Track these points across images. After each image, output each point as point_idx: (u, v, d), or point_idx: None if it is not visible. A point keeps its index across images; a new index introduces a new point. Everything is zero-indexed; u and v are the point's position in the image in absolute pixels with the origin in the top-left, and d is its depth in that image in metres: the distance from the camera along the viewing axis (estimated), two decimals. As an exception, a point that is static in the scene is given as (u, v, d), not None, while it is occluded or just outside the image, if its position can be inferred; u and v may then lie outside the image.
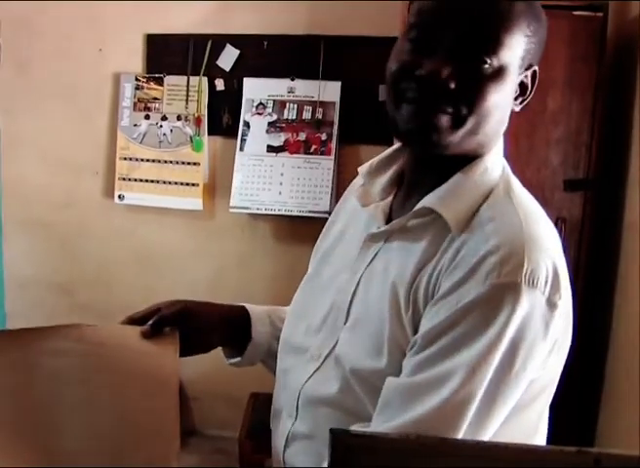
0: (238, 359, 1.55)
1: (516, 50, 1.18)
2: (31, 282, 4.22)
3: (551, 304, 1.12)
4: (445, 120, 1.17)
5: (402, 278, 1.21)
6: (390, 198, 1.36)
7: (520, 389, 1.13)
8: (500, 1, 1.17)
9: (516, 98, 1.24)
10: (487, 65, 1.15)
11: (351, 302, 1.30)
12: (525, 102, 1.26)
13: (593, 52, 2.92)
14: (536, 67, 1.24)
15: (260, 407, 1.61)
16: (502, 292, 1.08)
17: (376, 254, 1.30)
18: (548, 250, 1.14)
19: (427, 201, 1.23)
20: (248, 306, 1.55)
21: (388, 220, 1.32)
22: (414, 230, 1.25)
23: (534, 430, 1.23)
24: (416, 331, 1.17)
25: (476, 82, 1.16)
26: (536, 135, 2.93)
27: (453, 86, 1.16)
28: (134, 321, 1.43)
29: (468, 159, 1.24)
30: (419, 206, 1.24)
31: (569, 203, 2.96)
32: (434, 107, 1.18)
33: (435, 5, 1.19)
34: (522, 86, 1.24)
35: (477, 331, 1.09)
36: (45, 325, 4.07)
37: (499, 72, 1.17)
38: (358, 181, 1.46)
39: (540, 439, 1.24)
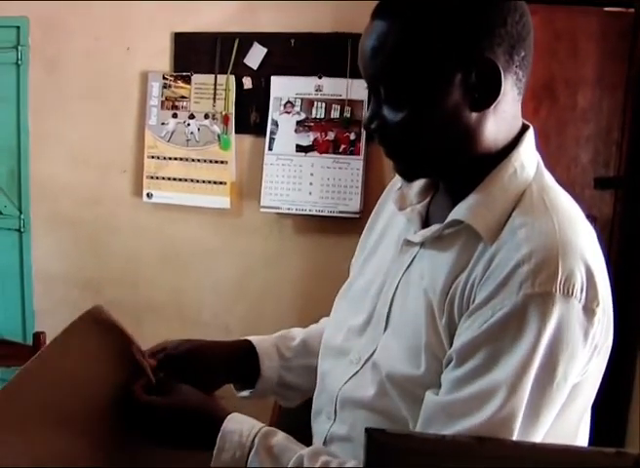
0: (247, 393, 1.55)
1: (425, 63, 1.14)
2: (59, 279, 4.24)
3: (589, 311, 1.09)
4: (401, 156, 1.23)
5: (434, 286, 1.20)
6: (427, 200, 1.35)
7: (562, 398, 1.11)
8: (380, 33, 1.16)
9: (480, 100, 1.17)
10: (396, 95, 1.17)
11: (390, 308, 1.29)
12: (496, 99, 1.16)
13: (624, 48, 2.90)
14: (488, 59, 1.13)
15: (287, 409, 1.61)
16: (537, 303, 1.06)
17: (412, 260, 1.29)
18: (584, 255, 1.11)
19: (457, 212, 1.21)
20: (254, 340, 1.55)
21: (425, 224, 1.31)
22: (446, 238, 1.23)
23: (574, 433, 1.21)
24: (451, 341, 1.16)
25: (397, 114, 1.17)
26: (566, 132, 2.91)
27: (383, 124, 1.19)
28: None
29: (495, 156, 1.21)
30: (449, 218, 1.22)
31: (599, 201, 2.94)
32: (387, 147, 1.23)
33: None
34: (479, 86, 1.15)
35: (513, 345, 1.07)
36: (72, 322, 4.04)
37: (413, 95, 1.16)
38: (395, 184, 1.45)
39: (580, 442, 1.22)
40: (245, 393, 1.56)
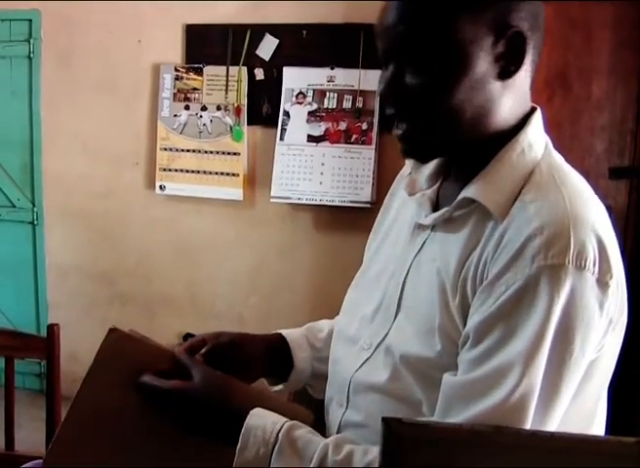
0: (281, 386, 1.54)
1: (458, 27, 1.14)
2: (72, 271, 4.26)
3: (602, 284, 1.08)
4: (417, 127, 1.20)
5: (447, 267, 1.20)
6: (437, 185, 1.34)
7: (580, 373, 1.10)
8: None
9: (505, 69, 1.18)
10: (425, 60, 1.15)
11: (402, 292, 1.29)
12: (520, 67, 1.19)
13: (638, 37, 2.87)
14: (517, 29, 1.16)
15: (300, 401, 1.61)
16: (549, 275, 1.05)
17: (423, 244, 1.29)
18: (595, 228, 1.10)
19: (468, 191, 1.21)
20: (285, 333, 1.54)
21: (435, 208, 1.30)
22: (457, 220, 1.23)
23: (592, 412, 1.19)
24: (465, 321, 1.15)
25: (423, 78, 1.16)
26: (580, 122, 2.89)
27: (405, 89, 1.17)
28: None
29: (504, 136, 1.22)
30: (460, 197, 1.22)
31: (614, 191, 2.93)
32: (404, 119, 1.21)
33: (375, 26, 1.22)
34: (506, 54, 1.17)
35: (527, 318, 1.06)
36: (85, 314, 4.12)
37: (443, 60, 1.15)
38: (405, 171, 1.45)
39: (598, 421, 1.21)
40: (279, 387, 1.55)
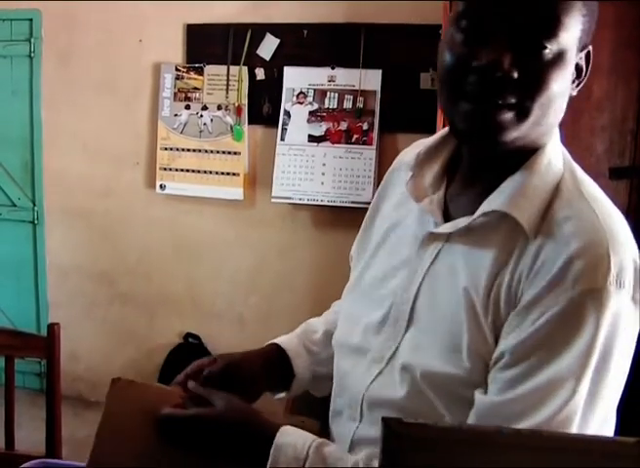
0: (284, 394, 1.54)
1: (574, 31, 1.11)
2: (72, 271, 4.26)
3: (635, 300, 1.10)
4: (508, 115, 1.11)
5: (475, 283, 1.17)
6: (442, 191, 1.30)
7: (619, 392, 1.11)
8: None
9: (573, 82, 1.17)
10: (547, 50, 1.09)
11: (414, 304, 1.25)
12: (580, 85, 1.19)
13: (639, 37, 2.87)
14: (590, 47, 1.18)
15: (299, 407, 1.60)
16: (594, 298, 1.06)
17: (437, 255, 1.24)
18: (628, 246, 1.12)
19: (495, 202, 1.17)
20: (281, 343, 1.52)
21: (445, 215, 1.27)
22: (478, 231, 1.19)
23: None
24: (496, 339, 1.14)
25: (538, 69, 1.10)
26: (580, 122, 2.89)
27: (516, 75, 1.09)
28: (179, 383, 1.39)
29: (527, 150, 1.19)
30: (486, 208, 1.17)
31: (614, 191, 2.91)
32: (496, 102, 1.10)
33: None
34: (577, 68, 1.17)
35: (573, 340, 1.06)
36: (85, 313, 4.11)
37: (559, 57, 1.10)
38: (399, 170, 1.41)
39: (609, 427, 1.21)
40: (281, 395, 1.55)
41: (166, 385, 1.41)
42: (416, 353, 1.22)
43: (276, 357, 1.50)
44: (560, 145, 1.24)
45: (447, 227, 1.23)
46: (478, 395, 1.13)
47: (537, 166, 1.18)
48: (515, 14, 1.09)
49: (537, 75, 1.10)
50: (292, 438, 1.22)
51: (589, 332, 1.05)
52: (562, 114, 1.19)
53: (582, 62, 1.18)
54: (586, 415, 1.08)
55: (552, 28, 1.09)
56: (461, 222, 1.21)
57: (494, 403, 1.11)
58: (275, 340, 1.53)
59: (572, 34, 1.11)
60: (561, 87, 1.13)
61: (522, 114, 1.12)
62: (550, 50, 1.09)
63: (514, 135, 1.13)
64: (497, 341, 1.14)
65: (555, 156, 1.20)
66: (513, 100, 1.11)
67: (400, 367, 1.24)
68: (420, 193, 1.30)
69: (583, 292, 1.06)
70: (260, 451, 1.21)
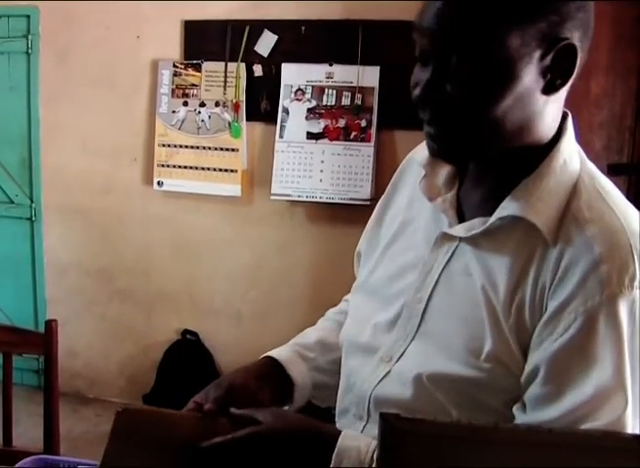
0: (287, 407, 1.51)
1: (507, 38, 1.06)
2: (71, 268, 4.26)
3: None
4: (456, 133, 1.12)
5: (494, 286, 1.15)
6: (455, 190, 1.27)
7: None
8: None
9: (551, 83, 1.10)
10: (469, 70, 1.07)
11: (428, 303, 1.24)
12: (568, 82, 1.12)
13: (637, 34, 2.87)
14: (567, 41, 1.08)
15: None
16: (624, 301, 1.05)
17: (452, 255, 1.22)
18: None
19: (511, 206, 1.15)
20: (275, 355, 1.47)
21: (459, 216, 1.25)
22: (494, 233, 1.17)
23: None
24: (520, 344, 1.13)
25: (468, 84, 1.08)
26: (578, 119, 2.87)
27: (446, 94, 1.09)
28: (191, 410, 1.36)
29: (526, 147, 1.16)
30: (502, 213, 1.15)
31: (612, 188, 2.92)
32: (440, 123, 1.12)
33: (417, 17, 1.12)
34: (553, 68, 1.09)
35: (606, 345, 1.06)
36: (84, 310, 4.11)
37: (487, 72, 1.07)
38: (411, 168, 1.39)
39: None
40: (285, 408, 1.52)
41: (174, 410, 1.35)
42: (426, 354, 1.21)
43: (272, 371, 1.46)
44: (575, 143, 1.21)
45: (461, 231, 1.21)
46: (520, 414, 1.12)
47: (551, 167, 1.15)
48: (433, 34, 1.10)
49: (468, 91, 1.09)
50: (355, 441, 1.21)
51: (621, 336, 1.05)
52: (539, 115, 1.14)
53: (549, 61, 1.09)
54: (635, 419, 1.07)
55: (467, 46, 1.07)
56: (476, 226, 1.19)
57: (542, 422, 1.08)
58: (267, 353, 1.49)
59: (504, 42, 1.06)
60: (504, 101, 1.08)
61: (470, 128, 1.11)
62: (475, 64, 1.07)
63: (479, 148, 1.14)
64: (521, 348, 1.13)
65: (570, 155, 1.17)
66: (455, 119, 1.11)
67: (408, 367, 1.22)
68: (434, 192, 1.28)
69: (611, 295, 1.05)
70: (320, 457, 1.20)
